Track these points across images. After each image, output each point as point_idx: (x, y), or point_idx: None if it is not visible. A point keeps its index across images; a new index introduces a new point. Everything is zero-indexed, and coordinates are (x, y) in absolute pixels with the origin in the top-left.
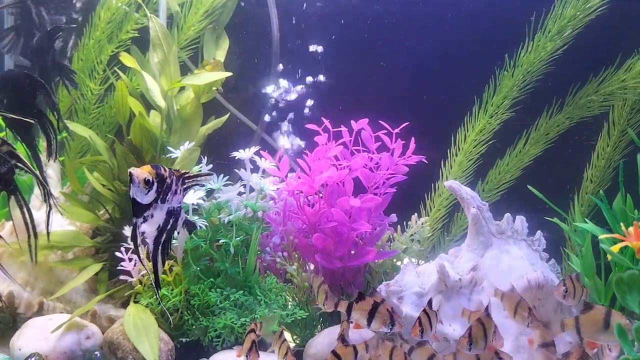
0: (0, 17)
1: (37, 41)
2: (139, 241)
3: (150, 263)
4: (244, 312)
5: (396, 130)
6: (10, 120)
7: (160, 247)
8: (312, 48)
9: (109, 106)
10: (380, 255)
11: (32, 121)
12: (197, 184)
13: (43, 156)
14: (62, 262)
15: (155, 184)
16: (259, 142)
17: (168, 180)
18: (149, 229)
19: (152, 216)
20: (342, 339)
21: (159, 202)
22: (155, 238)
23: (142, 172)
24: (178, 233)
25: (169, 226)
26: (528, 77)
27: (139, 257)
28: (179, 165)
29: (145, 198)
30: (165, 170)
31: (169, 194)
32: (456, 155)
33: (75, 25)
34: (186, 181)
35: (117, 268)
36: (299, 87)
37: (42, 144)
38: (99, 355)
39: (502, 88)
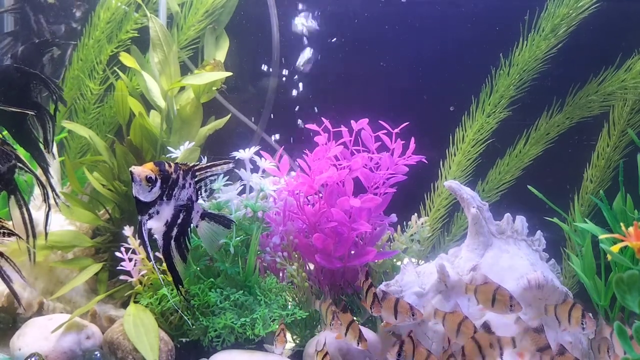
0: (1, 22)
1: (22, 53)
2: (145, 238)
3: (154, 260)
4: (244, 312)
5: (396, 130)
6: (4, 117)
7: (173, 242)
8: (311, 48)
9: (108, 106)
10: (380, 255)
11: (28, 112)
12: (213, 175)
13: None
14: (62, 262)
15: (159, 180)
16: (258, 142)
17: (174, 176)
18: (155, 225)
19: (157, 212)
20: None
21: (164, 198)
22: (164, 233)
23: (144, 170)
24: (196, 227)
25: (179, 221)
26: (524, 75)
27: (147, 254)
28: None
29: (148, 196)
30: (170, 166)
31: (176, 189)
32: (455, 155)
33: (63, 42)
34: (197, 174)
35: (117, 268)
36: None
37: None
38: (99, 355)
39: (498, 87)
